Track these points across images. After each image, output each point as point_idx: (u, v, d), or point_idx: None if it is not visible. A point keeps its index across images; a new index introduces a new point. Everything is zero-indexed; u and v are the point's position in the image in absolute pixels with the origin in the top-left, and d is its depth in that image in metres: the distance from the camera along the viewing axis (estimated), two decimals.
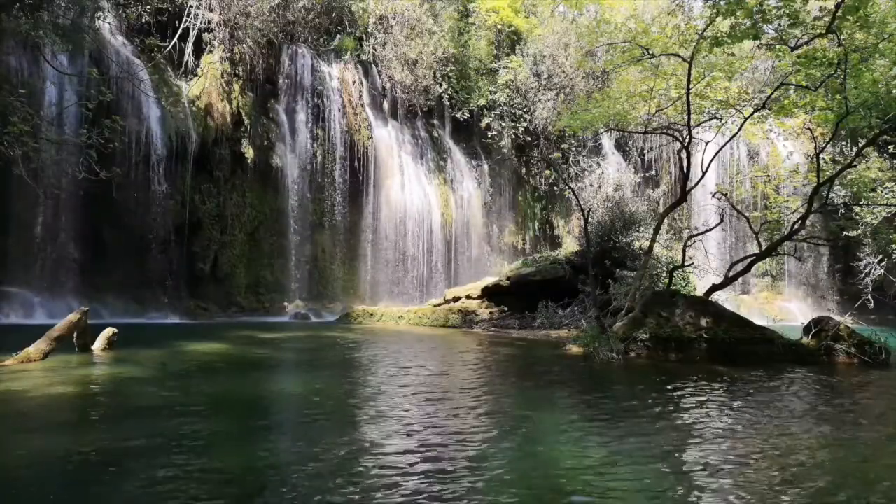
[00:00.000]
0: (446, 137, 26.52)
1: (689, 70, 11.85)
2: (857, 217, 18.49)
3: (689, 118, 12.46)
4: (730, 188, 21.81)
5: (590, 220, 14.23)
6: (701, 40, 11.50)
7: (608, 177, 23.60)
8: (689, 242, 14.54)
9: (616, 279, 15.30)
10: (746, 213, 15.23)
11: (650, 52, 12.68)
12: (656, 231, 13.58)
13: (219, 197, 20.17)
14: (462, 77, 26.02)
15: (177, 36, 19.56)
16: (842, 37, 10.45)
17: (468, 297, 18.79)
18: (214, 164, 20.11)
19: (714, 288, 12.41)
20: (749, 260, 13.81)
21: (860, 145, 12.78)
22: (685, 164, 13.60)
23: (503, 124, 26.33)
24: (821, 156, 12.99)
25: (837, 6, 10.07)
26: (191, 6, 19.68)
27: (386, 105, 24.90)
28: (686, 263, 13.88)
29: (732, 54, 12.46)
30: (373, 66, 24.58)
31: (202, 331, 13.96)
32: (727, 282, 12.67)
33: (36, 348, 8.07)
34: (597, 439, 4.86)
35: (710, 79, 13.27)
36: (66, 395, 6.24)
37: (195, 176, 19.55)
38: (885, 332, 11.82)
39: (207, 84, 20.21)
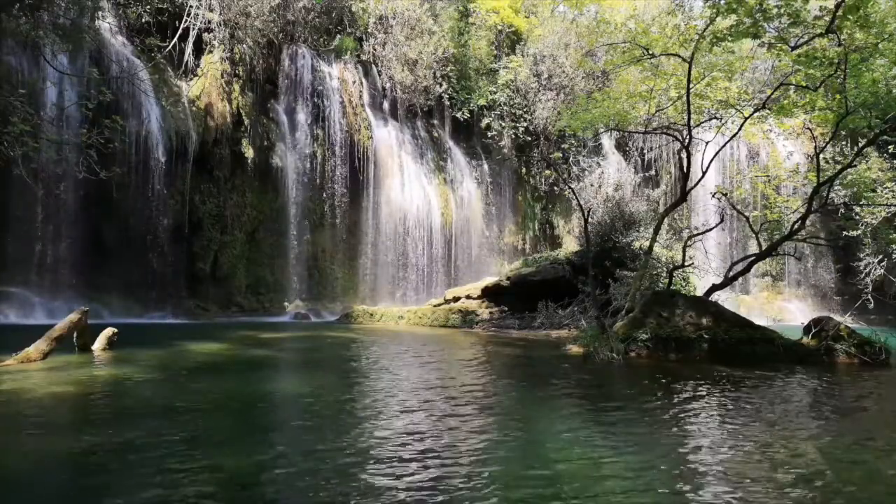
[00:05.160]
0: (446, 137, 26.51)
1: (689, 70, 11.85)
2: (857, 217, 18.48)
3: (689, 118, 12.46)
4: (730, 188, 21.80)
5: (590, 220, 14.23)
6: (701, 39, 11.49)
7: (608, 177, 23.60)
8: (689, 242, 14.53)
9: (616, 279, 15.30)
10: (746, 213, 15.22)
11: (650, 52, 12.67)
12: (656, 231, 13.58)
13: (219, 197, 20.17)
14: (462, 77, 26.02)
15: (177, 36, 19.55)
16: (842, 37, 10.45)
17: (468, 297, 18.79)
18: (214, 164, 20.12)
19: (714, 288, 12.40)
20: (749, 260, 13.80)
21: (860, 145, 12.78)
22: (685, 164, 13.60)
23: (503, 124, 26.33)
24: (821, 156, 12.98)
25: (837, 6, 10.06)
26: (191, 6, 19.67)
27: (386, 105, 24.90)
28: (686, 263, 13.87)
29: (732, 52, 12.46)
30: (373, 66, 24.58)
31: (202, 331, 13.96)
32: (727, 282, 12.66)
33: (36, 348, 8.06)
34: (597, 439, 4.86)
35: (710, 79, 13.25)
36: (66, 395, 6.23)
37: (195, 176, 19.55)
38: (885, 332, 11.81)
39: (207, 84, 20.21)
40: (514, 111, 26.41)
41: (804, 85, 11.55)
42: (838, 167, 13.48)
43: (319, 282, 22.37)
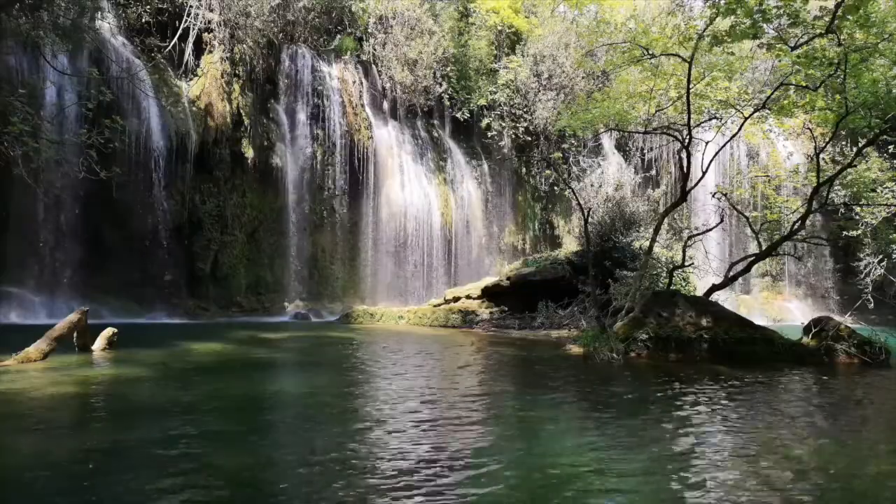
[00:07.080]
0: (446, 137, 26.50)
1: (689, 70, 11.84)
2: (857, 217, 18.49)
3: (689, 118, 12.46)
4: (730, 188, 21.79)
5: (590, 220, 14.23)
6: (701, 39, 11.49)
7: (608, 177, 23.58)
8: (689, 242, 14.53)
9: (616, 279, 15.29)
10: (746, 213, 15.21)
11: (650, 52, 12.67)
12: (656, 231, 13.58)
13: (219, 197, 20.16)
14: (462, 77, 26.00)
15: (177, 36, 19.55)
16: (842, 37, 10.44)
17: (468, 297, 18.79)
18: (214, 164, 20.11)
19: (714, 288, 12.40)
20: (749, 260, 13.80)
21: (860, 145, 12.77)
22: (685, 164, 13.59)
23: (503, 124, 26.32)
24: (821, 156, 12.98)
25: (837, 6, 10.05)
26: (191, 6, 19.67)
27: (386, 105, 24.89)
28: (686, 263, 13.87)
29: (732, 53, 12.45)
30: (373, 66, 24.57)
31: (202, 331, 13.96)
32: (727, 282, 12.66)
33: (36, 348, 8.06)
34: (597, 439, 4.86)
35: (710, 79, 13.24)
36: (66, 395, 6.23)
37: (195, 176, 19.53)
38: (885, 332, 11.80)
39: (207, 84, 20.20)
40: (514, 111, 26.40)
41: (804, 85, 11.55)
42: (838, 167, 13.48)
43: (319, 282, 22.36)
